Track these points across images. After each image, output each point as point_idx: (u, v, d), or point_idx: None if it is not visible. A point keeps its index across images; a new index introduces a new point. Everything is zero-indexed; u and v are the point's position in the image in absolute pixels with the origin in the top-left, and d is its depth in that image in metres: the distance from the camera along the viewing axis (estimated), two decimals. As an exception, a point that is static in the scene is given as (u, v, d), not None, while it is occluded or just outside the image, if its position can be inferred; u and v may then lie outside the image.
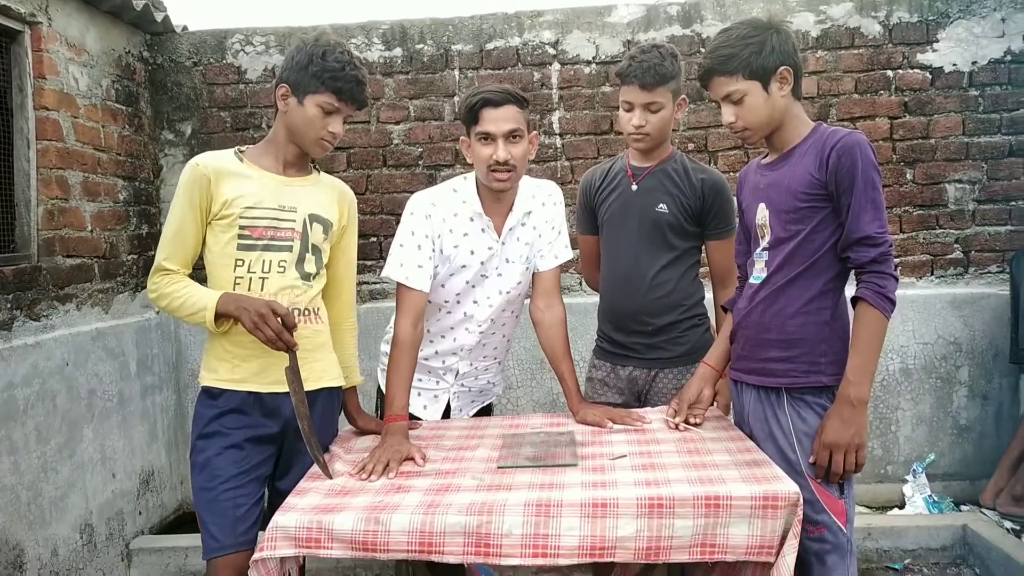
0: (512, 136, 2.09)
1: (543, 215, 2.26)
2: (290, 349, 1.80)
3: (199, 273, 1.92)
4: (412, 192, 3.71)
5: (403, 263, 2.13)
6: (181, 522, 3.73)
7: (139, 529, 3.39)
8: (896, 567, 3.15)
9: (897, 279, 1.76)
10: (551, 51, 3.74)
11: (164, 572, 3.25)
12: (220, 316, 1.83)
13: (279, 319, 1.78)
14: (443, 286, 2.21)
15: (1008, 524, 3.26)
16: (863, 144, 1.76)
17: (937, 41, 3.70)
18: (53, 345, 2.84)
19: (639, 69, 2.20)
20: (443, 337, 2.27)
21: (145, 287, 3.59)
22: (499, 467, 1.82)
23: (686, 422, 2.08)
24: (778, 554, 1.58)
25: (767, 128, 1.87)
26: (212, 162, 1.89)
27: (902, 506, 3.62)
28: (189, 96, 3.81)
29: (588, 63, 3.74)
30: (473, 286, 2.22)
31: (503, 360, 2.44)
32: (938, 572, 3.14)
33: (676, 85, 2.24)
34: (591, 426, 2.15)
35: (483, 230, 2.19)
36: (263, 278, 1.90)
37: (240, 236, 1.88)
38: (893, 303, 1.74)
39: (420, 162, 3.78)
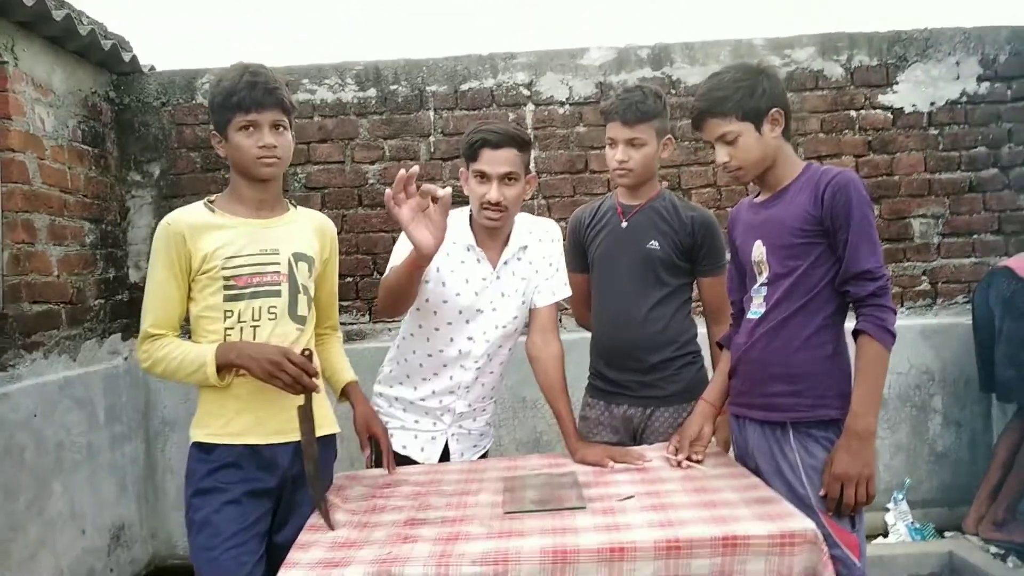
0: (507, 178, 2.10)
1: (539, 251, 2.26)
2: (308, 392, 1.76)
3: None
4: (388, 232, 3.74)
5: (400, 251, 2.09)
6: (152, 577, 3.58)
7: (108, 588, 3.23)
8: (885, 597, 3.16)
9: (895, 311, 1.80)
10: (525, 92, 3.78)
11: (135, 633, 3.09)
12: (221, 368, 1.77)
13: (293, 363, 1.74)
14: (435, 313, 2.18)
15: (992, 549, 3.30)
16: (856, 182, 1.81)
17: (897, 83, 3.83)
18: (20, 396, 2.71)
19: (621, 106, 2.25)
20: (437, 375, 2.23)
21: (114, 332, 3.49)
22: (506, 512, 1.77)
23: (688, 459, 2.06)
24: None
25: (760, 167, 1.92)
26: (184, 218, 1.84)
27: (886, 534, 3.64)
28: (157, 137, 3.73)
29: (562, 104, 3.78)
30: (467, 320, 2.19)
31: (496, 399, 2.39)
32: (926, 601, 3.16)
33: (660, 124, 2.27)
34: (592, 466, 2.12)
35: (478, 260, 2.19)
36: (254, 326, 1.84)
37: (225, 287, 1.82)
38: (894, 336, 1.78)
39: (397, 202, 3.75)
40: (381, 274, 3.72)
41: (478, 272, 2.19)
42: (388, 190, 1.78)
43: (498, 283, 2.21)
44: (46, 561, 2.78)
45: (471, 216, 2.21)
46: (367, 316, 3.78)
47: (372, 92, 3.75)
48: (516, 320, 2.25)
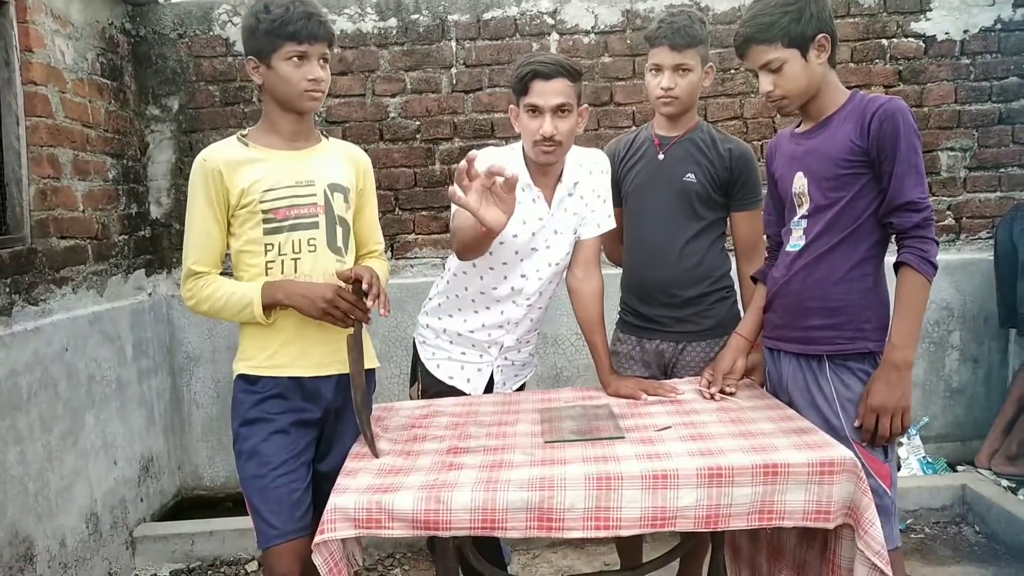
0: (560, 110, 2.04)
1: (589, 183, 2.22)
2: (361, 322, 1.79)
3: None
4: (410, 167, 3.71)
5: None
6: (180, 508, 3.67)
7: (141, 517, 3.31)
8: (900, 527, 3.23)
9: (938, 243, 1.78)
10: (549, 21, 3.68)
11: (170, 559, 3.19)
12: (267, 307, 1.78)
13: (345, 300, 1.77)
14: (491, 253, 2.14)
15: (1004, 483, 3.36)
16: (904, 110, 1.77)
17: (930, 10, 3.73)
18: (52, 330, 2.74)
19: (669, 30, 2.18)
20: (488, 309, 2.23)
21: (138, 268, 3.50)
22: (546, 442, 1.80)
23: (721, 391, 2.08)
24: (844, 523, 1.60)
25: (805, 96, 1.87)
26: (219, 154, 1.82)
27: (898, 468, 3.71)
28: (175, 70, 3.67)
29: (587, 33, 3.69)
30: (522, 259, 2.17)
31: (538, 329, 2.40)
32: (939, 530, 3.23)
33: (705, 51, 2.22)
34: (625, 398, 2.14)
35: (534, 200, 2.15)
36: (295, 259, 1.84)
37: (264, 221, 1.82)
38: (935, 268, 1.77)
39: (418, 136, 3.71)
40: (403, 210, 3.74)
41: (535, 212, 2.15)
42: (452, 187, 1.72)
43: (552, 221, 2.18)
44: (81, 490, 2.85)
45: (524, 154, 2.16)
46: (389, 252, 3.78)
47: (393, 22, 3.66)
48: (567, 256, 2.24)
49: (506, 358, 2.30)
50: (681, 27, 2.16)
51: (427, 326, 2.32)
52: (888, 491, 1.82)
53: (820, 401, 1.88)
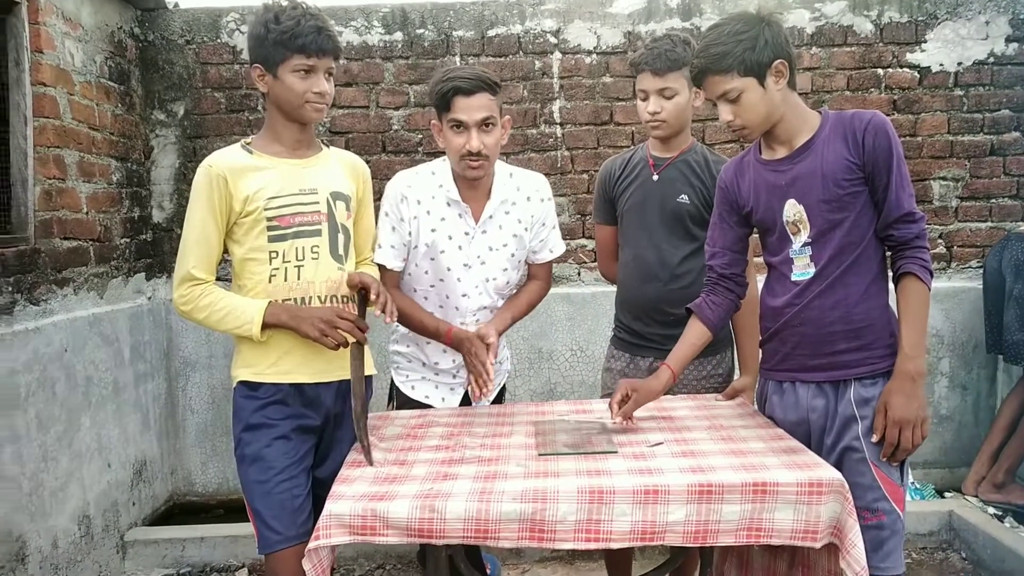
0: (485, 124, 2.06)
1: (529, 210, 2.24)
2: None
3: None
4: (411, 178, 3.74)
5: (381, 244, 2.16)
6: (172, 513, 3.68)
7: (133, 520, 3.32)
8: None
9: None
10: (552, 40, 3.74)
11: (160, 564, 3.19)
12: (267, 326, 1.82)
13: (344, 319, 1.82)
14: (426, 272, 2.20)
15: (991, 510, 3.39)
16: (889, 123, 1.78)
17: (925, 41, 3.80)
18: (52, 330, 2.76)
19: (650, 56, 2.23)
20: None
21: (138, 271, 3.52)
22: (540, 454, 1.83)
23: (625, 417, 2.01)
24: (832, 542, 1.63)
25: (767, 123, 1.84)
26: (224, 161, 1.85)
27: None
28: (181, 75, 3.71)
29: (589, 53, 3.75)
30: (458, 278, 2.20)
31: (507, 344, 2.44)
32: (926, 556, 3.25)
33: (690, 72, 2.25)
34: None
35: (460, 215, 2.18)
36: (298, 266, 1.87)
37: (269, 228, 1.85)
38: (933, 275, 1.79)
39: (420, 148, 3.75)
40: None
41: (460, 227, 2.18)
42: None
43: (484, 237, 2.20)
44: (75, 492, 2.86)
45: (451, 168, 2.18)
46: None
47: (398, 36, 3.72)
48: (507, 273, 2.25)
49: None
50: (662, 52, 2.20)
51: (398, 352, 2.36)
52: (901, 514, 1.81)
53: (839, 424, 1.85)
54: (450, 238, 2.17)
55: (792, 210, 1.87)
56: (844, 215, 1.80)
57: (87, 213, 3.08)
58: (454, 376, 2.31)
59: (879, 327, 1.83)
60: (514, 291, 2.35)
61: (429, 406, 2.29)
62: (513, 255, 2.24)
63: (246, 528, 1.99)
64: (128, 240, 3.45)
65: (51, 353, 2.73)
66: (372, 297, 1.83)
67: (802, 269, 1.87)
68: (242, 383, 1.89)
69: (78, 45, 3.06)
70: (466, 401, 2.33)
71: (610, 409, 2.00)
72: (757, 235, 2.04)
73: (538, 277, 2.37)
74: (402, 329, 2.33)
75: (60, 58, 2.92)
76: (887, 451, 1.79)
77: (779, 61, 1.79)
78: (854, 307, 1.83)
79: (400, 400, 2.34)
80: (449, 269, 2.19)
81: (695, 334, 2.05)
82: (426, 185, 2.17)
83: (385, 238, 2.16)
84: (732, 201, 2.00)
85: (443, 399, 2.31)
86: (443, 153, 2.21)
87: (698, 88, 1.94)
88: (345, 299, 1.93)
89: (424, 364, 2.31)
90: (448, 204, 2.17)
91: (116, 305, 3.27)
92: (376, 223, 2.17)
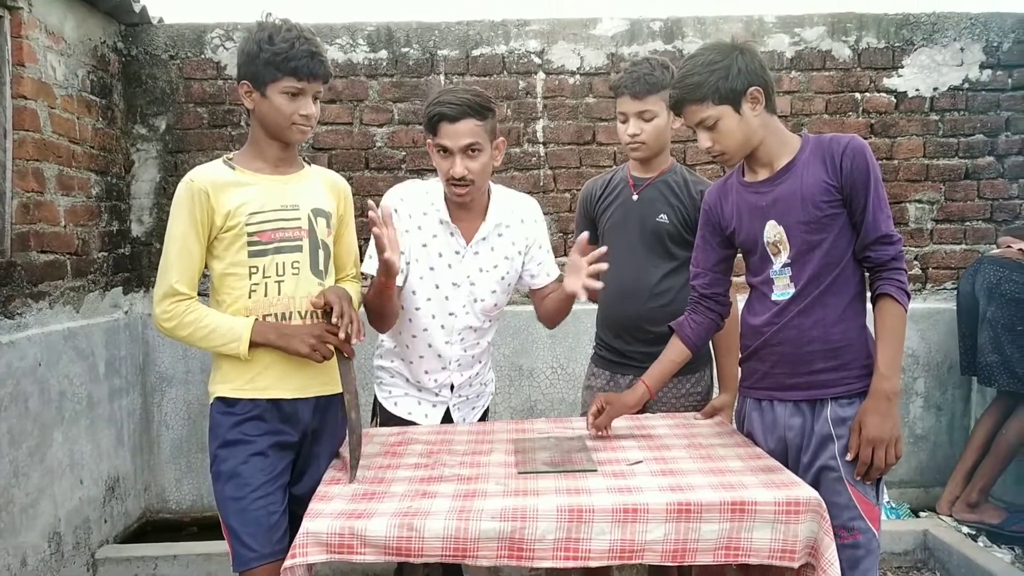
0: (470, 150, 2.07)
1: (523, 232, 2.27)
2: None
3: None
4: (394, 196, 3.75)
5: (372, 255, 2.13)
6: (144, 530, 3.62)
7: (104, 538, 3.26)
8: (863, 571, 3.27)
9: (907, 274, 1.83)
10: (536, 60, 3.78)
11: (132, 582, 3.14)
12: (254, 345, 1.82)
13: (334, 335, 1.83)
14: (414, 292, 2.20)
15: (965, 529, 3.42)
16: (867, 146, 1.82)
17: (902, 67, 3.88)
18: (27, 344, 2.72)
19: (629, 79, 2.28)
20: (423, 357, 2.26)
21: (116, 285, 3.49)
22: (520, 472, 1.83)
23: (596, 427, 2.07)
24: (807, 562, 1.63)
25: (745, 148, 1.88)
26: (206, 176, 1.85)
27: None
28: (164, 90, 3.70)
29: (573, 74, 3.79)
30: (446, 296, 2.20)
31: (488, 360, 2.44)
32: (901, 575, 3.27)
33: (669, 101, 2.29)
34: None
35: (451, 234, 2.20)
36: (279, 281, 1.87)
37: (250, 243, 1.85)
38: (910, 297, 1.81)
39: (403, 165, 3.76)
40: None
41: (451, 245, 2.19)
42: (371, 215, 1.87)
43: (475, 258, 2.21)
44: (46, 508, 2.82)
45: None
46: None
47: (383, 54, 3.74)
48: (496, 295, 2.26)
49: (460, 395, 2.33)
50: (641, 76, 2.24)
51: (381, 367, 2.36)
52: (876, 533, 1.82)
53: (816, 443, 1.87)
54: (440, 255, 2.19)
55: (772, 231, 1.90)
56: (823, 236, 1.84)
57: (65, 226, 3.06)
58: (436, 394, 2.30)
59: (857, 347, 1.85)
60: (499, 314, 2.35)
61: (412, 422, 2.28)
62: (503, 278, 2.25)
63: (220, 546, 1.97)
64: (106, 254, 3.42)
65: (25, 367, 2.70)
66: (334, 319, 1.82)
67: (782, 289, 1.90)
68: (219, 399, 1.87)
69: (60, 59, 3.05)
70: (448, 418, 2.33)
71: (586, 422, 2.02)
72: (741, 255, 2.07)
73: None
74: (387, 344, 2.33)
75: (42, 71, 2.90)
76: (860, 469, 1.81)
77: (754, 88, 1.82)
78: (832, 327, 1.85)
79: (383, 416, 2.33)
80: (437, 286, 2.19)
81: (674, 352, 2.09)
82: (419, 201, 2.20)
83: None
84: (715, 223, 2.03)
85: (426, 415, 2.30)
86: (426, 170, 2.22)
87: (677, 115, 1.97)
88: (325, 314, 1.92)
89: (407, 380, 2.30)
90: (440, 222, 2.19)
91: (92, 319, 3.24)
92: (357, 240, 2.18)
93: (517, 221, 2.26)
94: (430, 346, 2.23)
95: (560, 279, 2.34)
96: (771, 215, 1.89)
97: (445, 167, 2.09)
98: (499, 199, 2.25)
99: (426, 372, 2.26)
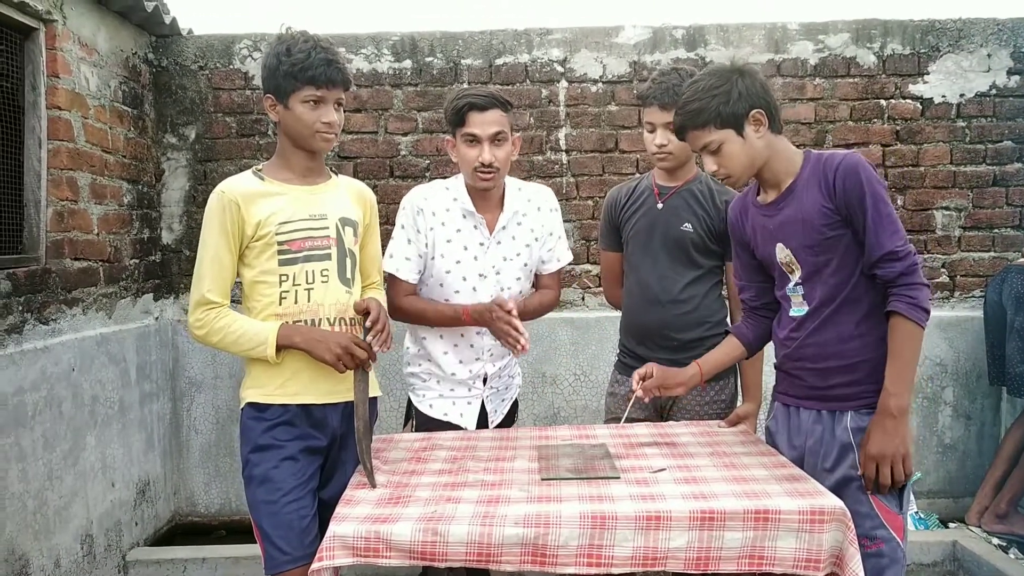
0: (497, 138, 2.19)
1: (540, 220, 2.36)
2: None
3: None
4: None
5: (393, 255, 2.25)
6: (174, 533, 3.67)
7: (135, 540, 3.32)
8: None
9: (928, 286, 1.78)
10: (559, 69, 3.80)
11: (161, 584, 3.19)
12: (280, 347, 1.85)
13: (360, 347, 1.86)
14: (441, 285, 2.28)
15: (995, 541, 3.37)
16: (862, 163, 1.79)
17: (928, 73, 3.84)
18: (61, 350, 2.79)
19: (658, 90, 2.28)
20: (457, 346, 2.31)
21: (147, 292, 3.56)
22: (543, 479, 1.84)
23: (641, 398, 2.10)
24: (832, 572, 1.63)
25: (750, 170, 1.89)
26: (237, 187, 1.89)
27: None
28: (194, 100, 3.77)
29: (595, 82, 3.80)
30: (474, 287, 2.28)
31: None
32: (930, 586, 3.23)
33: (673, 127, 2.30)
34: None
35: (475, 227, 2.28)
36: (308, 289, 1.90)
37: (280, 252, 1.89)
38: (927, 312, 1.77)
39: (427, 174, 3.80)
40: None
41: (476, 237, 2.28)
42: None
43: (499, 248, 2.30)
44: (79, 511, 2.87)
45: (465, 183, 2.29)
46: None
47: (407, 63, 3.78)
48: (520, 282, 2.34)
49: (492, 387, 2.37)
50: (670, 87, 2.25)
51: (412, 374, 2.40)
52: (901, 543, 1.82)
53: (837, 451, 1.87)
54: (465, 248, 2.26)
55: (782, 253, 1.93)
56: (829, 256, 1.84)
57: (98, 234, 3.13)
58: (469, 389, 2.33)
59: (874, 362, 1.84)
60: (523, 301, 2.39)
61: (448, 424, 2.31)
62: (525, 265, 2.34)
63: (248, 549, 1.99)
64: (137, 261, 3.49)
65: (59, 372, 2.76)
66: (368, 323, 1.86)
67: (798, 306, 1.93)
68: (250, 404, 1.91)
69: (93, 70, 3.12)
70: (483, 413, 2.36)
71: (632, 381, 2.09)
72: None
73: (548, 286, 2.45)
74: (413, 350, 2.37)
75: (75, 82, 2.97)
76: (868, 484, 1.80)
77: (756, 111, 1.83)
78: (847, 343, 1.86)
79: (419, 420, 2.37)
80: (464, 279, 2.27)
81: (730, 346, 2.14)
82: (441, 198, 2.28)
83: (400, 249, 2.25)
84: (740, 238, 2.06)
85: (461, 414, 2.34)
86: (450, 177, 2.28)
87: (681, 140, 1.98)
88: (353, 321, 1.95)
89: (440, 380, 2.34)
90: (464, 216, 2.27)
91: (124, 325, 3.30)
92: (392, 238, 2.27)
93: (534, 209, 2.35)
94: (463, 336, 2.29)
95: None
96: (779, 238, 1.92)
97: (472, 155, 2.18)
98: (514, 189, 2.34)
99: (460, 362, 2.31)
